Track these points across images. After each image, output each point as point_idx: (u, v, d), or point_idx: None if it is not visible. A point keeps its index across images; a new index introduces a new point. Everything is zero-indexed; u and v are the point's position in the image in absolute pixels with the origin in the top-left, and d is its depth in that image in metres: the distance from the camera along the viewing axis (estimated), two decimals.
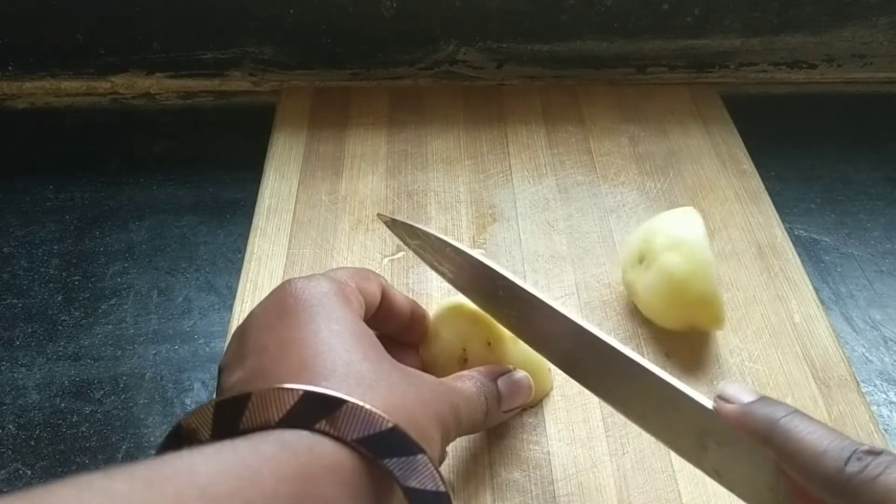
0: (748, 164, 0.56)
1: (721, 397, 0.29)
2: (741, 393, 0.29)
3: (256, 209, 0.51)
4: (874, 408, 0.42)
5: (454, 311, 0.39)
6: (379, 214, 0.41)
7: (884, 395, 0.45)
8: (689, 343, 0.44)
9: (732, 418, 0.28)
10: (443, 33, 0.61)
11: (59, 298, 0.49)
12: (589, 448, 0.39)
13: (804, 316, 0.46)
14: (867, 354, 0.47)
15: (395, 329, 0.38)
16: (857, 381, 0.42)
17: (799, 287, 0.47)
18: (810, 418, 0.27)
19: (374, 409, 0.26)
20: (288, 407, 0.26)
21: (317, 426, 0.26)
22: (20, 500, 0.20)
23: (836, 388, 0.42)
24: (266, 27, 0.60)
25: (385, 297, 0.36)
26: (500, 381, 0.36)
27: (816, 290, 0.47)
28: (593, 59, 0.63)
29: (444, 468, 0.38)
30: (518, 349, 0.38)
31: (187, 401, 0.44)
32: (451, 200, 0.53)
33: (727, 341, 0.44)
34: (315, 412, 0.26)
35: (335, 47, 0.61)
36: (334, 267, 0.33)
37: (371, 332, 0.31)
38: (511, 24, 0.60)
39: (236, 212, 0.55)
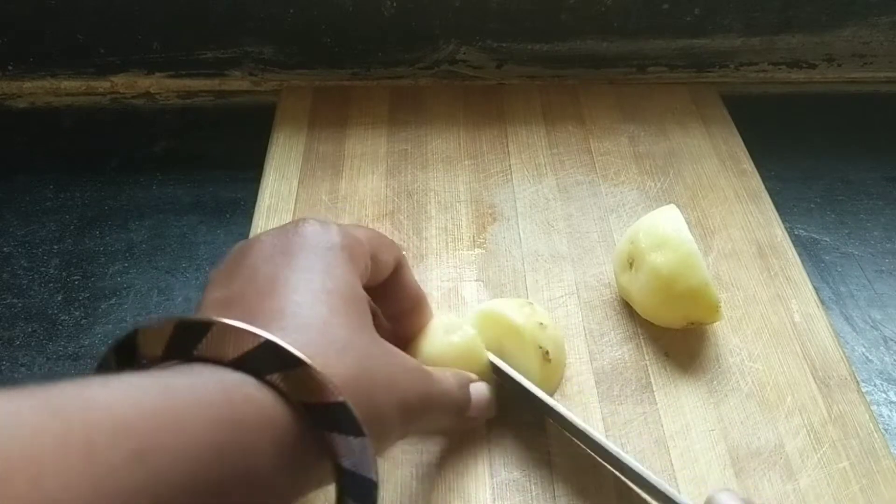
0: (748, 164, 0.56)
1: None
2: None
3: (256, 209, 0.51)
4: (874, 408, 0.42)
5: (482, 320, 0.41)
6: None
7: (884, 395, 0.45)
8: (688, 342, 0.44)
9: None
10: (443, 33, 0.61)
11: (59, 298, 0.49)
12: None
13: (804, 316, 0.46)
14: (867, 354, 0.47)
15: (395, 312, 0.37)
16: (857, 381, 0.42)
17: (799, 287, 0.47)
18: None
19: (329, 379, 0.25)
20: (245, 350, 0.25)
21: (267, 377, 0.24)
22: None
23: (836, 387, 0.42)
24: (266, 27, 0.60)
25: (397, 273, 0.35)
26: (471, 387, 0.36)
27: (816, 289, 0.47)
28: (593, 58, 0.63)
29: (445, 468, 0.38)
30: None
31: None
32: (451, 200, 0.53)
33: (727, 341, 0.44)
34: (270, 363, 0.25)
35: (335, 47, 0.61)
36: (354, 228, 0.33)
37: (364, 299, 0.30)
38: (511, 23, 0.60)
39: (236, 212, 0.55)
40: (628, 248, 0.44)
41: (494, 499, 0.37)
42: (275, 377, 0.25)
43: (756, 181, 0.54)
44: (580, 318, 0.45)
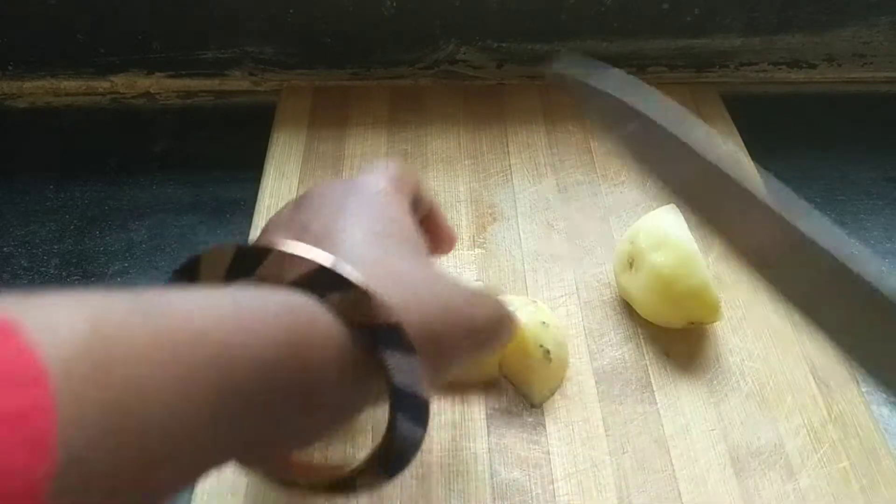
0: (748, 164, 0.56)
1: None
2: None
3: (256, 209, 0.51)
4: (874, 408, 0.42)
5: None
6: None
7: (884, 395, 0.44)
8: (689, 342, 0.44)
9: None
10: (443, 33, 0.61)
11: None
12: (589, 448, 0.39)
13: None
14: None
15: (430, 251, 0.37)
16: (857, 381, 0.42)
17: None
18: None
19: (384, 301, 0.26)
20: (303, 272, 0.26)
21: (325, 298, 0.26)
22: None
23: (836, 387, 0.42)
24: (266, 27, 0.60)
25: (433, 212, 0.36)
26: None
27: None
28: (593, 58, 0.63)
29: (445, 468, 0.38)
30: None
31: None
32: (451, 200, 0.53)
33: (727, 341, 0.44)
34: (328, 286, 0.26)
35: (335, 47, 0.61)
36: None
37: (416, 234, 0.32)
38: (511, 23, 0.60)
39: (236, 212, 0.55)
40: (628, 248, 0.44)
41: (494, 499, 0.37)
42: (333, 297, 0.26)
43: None
44: (580, 318, 0.45)
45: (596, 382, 0.42)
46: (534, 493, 0.37)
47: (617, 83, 0.33)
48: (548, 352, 0.40)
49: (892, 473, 0.38)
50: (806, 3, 0.60)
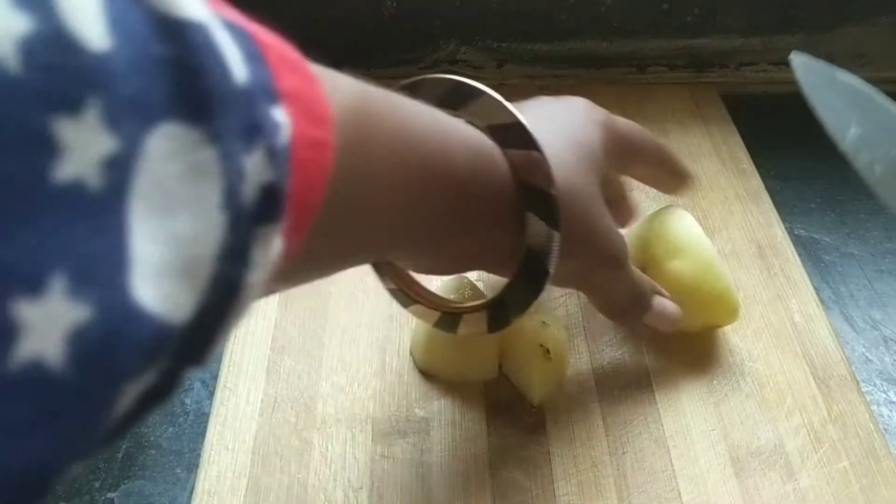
0: (748, 164, 0.56)
1: None
2: None
3: None
4: (874, 407, 0.42)
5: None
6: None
7: (884, 395, 0.45)
8: (688, 342, 0.44)
9: None
10: (443, 33, 0.61)
11: None
12: (589, 448, 0.39)
13: (804, 315, 0.46)
14: (867, 354, 0.47)
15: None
16: (857, 381, 0.42)
17: (799, 287, 0.47)
18: None
19: (553, 173, 0.31)
20: (500, 122, 0.32)
21: (508, 152, 0.32)
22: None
23: (836, 387, 0.42)
24: (266, 27, 0.60)
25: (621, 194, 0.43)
26: (656, 299, 0.40)
27: (816, 289, 0.47)
28: (593, 58, 0.63)
29: (445, 468, 0.38)
30: None
31: (187, 401, 0.43)
32: None
33: (727, 341, 0.44)
34: (514, 140, 0.32)
35: (335, 47, 0.61)
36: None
37: (601, 167, 0.36)
38: (511, 23, 0.60)
39: None
40: (640, 255, 0.43)
41: (494, 499, 0.37)
42: (515, 153, 0.32)
43: (756, 181, 0.54)
44: (580, 318, 0.45)
45: (596, 382, 0.42)
46: (534, 493, 0.37)
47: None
48: (548, 351, 0.40)
49: (892, 473, 0.38)
50: (806, 3, 0.60)
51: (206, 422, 0.40)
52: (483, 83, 0.32)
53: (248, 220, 0.18)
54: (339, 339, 0.44)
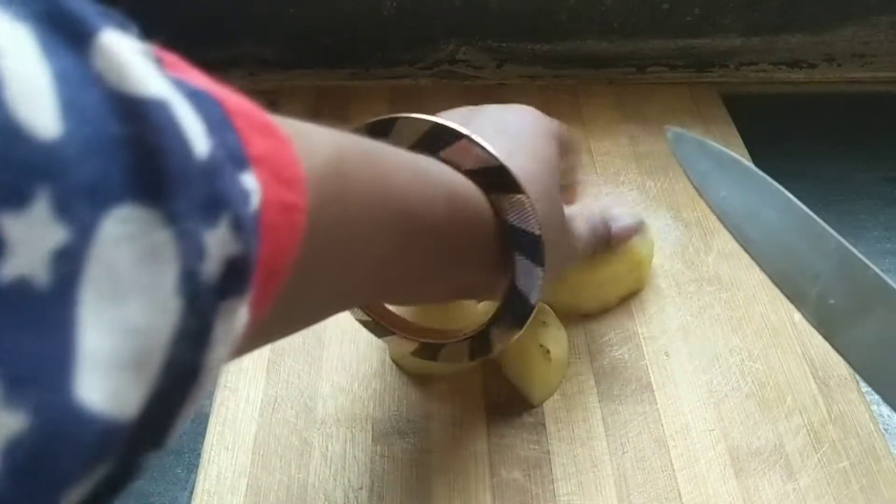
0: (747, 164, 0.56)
1: None
2: None
3: None
4: (874, 407, 0.42)
5: None
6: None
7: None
8: (688, 342, 0.44)
9: None
10: (443, 33, 0.61)
11: None
12: (589, 448, 0.39)
13: None
14: None
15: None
16: (857, 381, 0.42)
17: None
18: None
19: (487, 147, 0.31)
20: (481, 165, 0.32)
21: (491, 196, 0.32)
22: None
23: (836, 387, 0.42)
24: (266, 27, 0.60)
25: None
26: (612, 225, 0.41)
27: None
28: (593, 58, 0.63)
29: (445, 468, 0.38)
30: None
31: None
32: None
33: (727, 341, 0.44)
34: (497, 186, 0.32)
35: (335, 47, 0.61)
36: None
37: (557, 177, 0.36)
38: (511, 23, 0.60)
39: None
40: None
41: (494, 499, 0.37)
42: (497, 196, 0.32)
43: None
44: (580, 318, 0.45)
45: (596, 382, 0.42)
46: (534, 493, 0.37)
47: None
48: (548, 351, 0.40)
49: (892, 473, 0.38)
50: (806, 4, 0.60)
51: (206, 422, 0.40)
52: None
53: (210, 297, 0.17)
54: (339, 339, 0.44)
